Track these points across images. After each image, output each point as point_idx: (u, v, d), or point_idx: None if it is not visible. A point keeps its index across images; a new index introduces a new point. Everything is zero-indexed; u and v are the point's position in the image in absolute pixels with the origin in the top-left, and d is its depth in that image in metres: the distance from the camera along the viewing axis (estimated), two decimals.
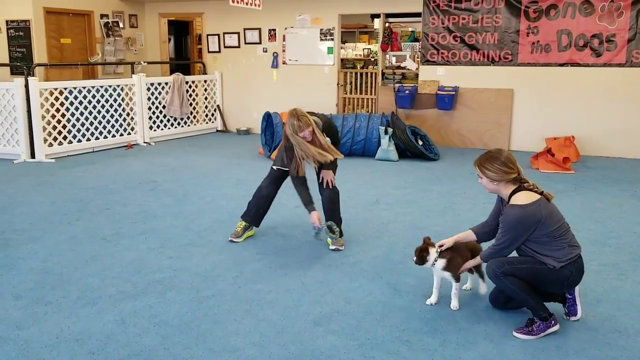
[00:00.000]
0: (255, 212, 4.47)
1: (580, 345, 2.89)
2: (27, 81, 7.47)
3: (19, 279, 3.69)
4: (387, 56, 9.92)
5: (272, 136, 7.99)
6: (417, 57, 9.51)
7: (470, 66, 8.84)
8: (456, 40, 8.85)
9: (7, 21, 9.46)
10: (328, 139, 4.20)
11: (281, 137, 7.65)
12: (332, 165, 4.33)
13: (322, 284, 3.63)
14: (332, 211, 4.35)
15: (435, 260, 3.25)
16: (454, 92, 8.82)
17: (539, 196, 2.98)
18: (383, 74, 9.67)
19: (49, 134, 7.79)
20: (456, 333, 3.00)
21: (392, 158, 7.72)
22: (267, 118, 8.04)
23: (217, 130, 10.73)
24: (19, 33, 9.36)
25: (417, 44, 9.63)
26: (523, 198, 2.97)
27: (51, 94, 7.81)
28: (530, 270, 2.98)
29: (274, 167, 4.46)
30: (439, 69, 9.06)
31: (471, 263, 3.29)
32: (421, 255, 3.26)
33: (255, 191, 4.52)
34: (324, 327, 3.05)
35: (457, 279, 3.28)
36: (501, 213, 3.10)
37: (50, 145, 7.80)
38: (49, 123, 7.77)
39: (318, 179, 4.43)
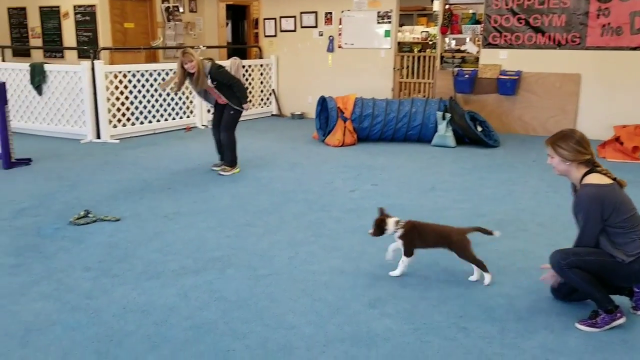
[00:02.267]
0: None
1: None
2: (93, 64, 7.76)
3: (88, 252, 3.87)
4: (447, 39, 9.72)
5: (327, 120, 8.00)
6: (478, 40, 9.27)
7: (534, 50, 8.54)
8: (520, 23, 8.56)
9: (74, 6, 9.84)
10: (214, 82, 5.82)
11: (335, 121, 7.67)
12: (230, 110, 5.98)
13: (377, 267, 3.63)
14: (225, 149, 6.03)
15: (396, 230, 3.43)
16: (516, 77, 8.56)
17: (612, 181, 2.87)
18: (442, 57, 9.49)
19: (114, 115, 8.07)
20: (515, 322, 2.94)
21: (449, 144, 7.60)
22: (322, 102, 8.05)
23: (272, 115, 10.83)
24: (86, 18, 9.72)
25: (478, 26, 9.37)
26: (597, 179, 2.86)
27: (115, 77, 8.08)
28: (597, 263, 2.87)
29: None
30: (501, 53, 8.80)
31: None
32: (380, 226, 3.46)
33: None
34: (379, 309, 3.07)
35: (406, 254, 3.44)
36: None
37: (115, 126, 8.08)
38: (113, 105, 8.06)
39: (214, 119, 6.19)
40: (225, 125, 5.99)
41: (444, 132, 7.60)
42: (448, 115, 7.59)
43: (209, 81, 5.80)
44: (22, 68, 8.24)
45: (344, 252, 3.88)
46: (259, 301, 3.15)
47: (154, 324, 2.90)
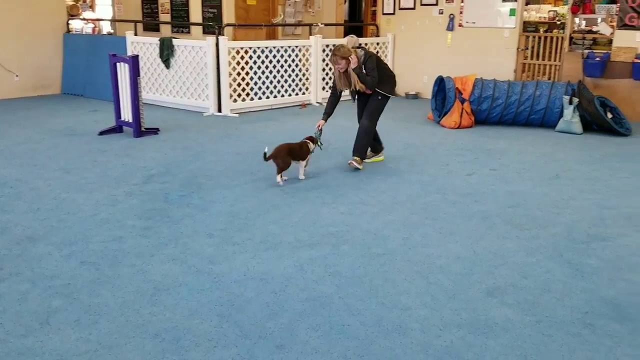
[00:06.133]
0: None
1: None
2: (217, 40, 8.09)
3: (211, 219, 4.09)
4: (577, 19, 9.06)
5: (443, 101, 7.80)
6: (612, 21, 8.54)
7: None
8: None
9: None
10: (364, 72, 5.22)
11: (453, 102, 7.45)
12: (373, 100, 5.40)
13: (496, 255, 3.51)
14: (357, 137, 5.44)
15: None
16: None
17: None
18: (571, 38, 8.86)
19: (234, 90, 8.39)
20: None
21: (576, 130, 7.12)
22: (440, 82, 7.84)
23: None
24: None
25: (613, 6, 8.63)
26: None
27: (237, 52, 8.37)
28: None
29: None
30: (638, 35, 8.07)
31: None
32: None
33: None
34: (498, 298, 2.97)
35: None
36: None
37: (235, 101, 8.41)
38: (234, 80, 8.37)
39: (358, 110, 5.66)
40: (370, 112, 5.45)
41: (571, 117, 7.13)
42: (576, 99, 7.11)
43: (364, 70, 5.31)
44: (152, 42, 8.78)
45: (460, 237, 3.79)
46: (373, 279, 3.17)
47: (272, 293, 3.02)
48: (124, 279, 3.17)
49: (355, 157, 5.37)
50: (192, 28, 10.55)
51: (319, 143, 5.28)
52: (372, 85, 5.29)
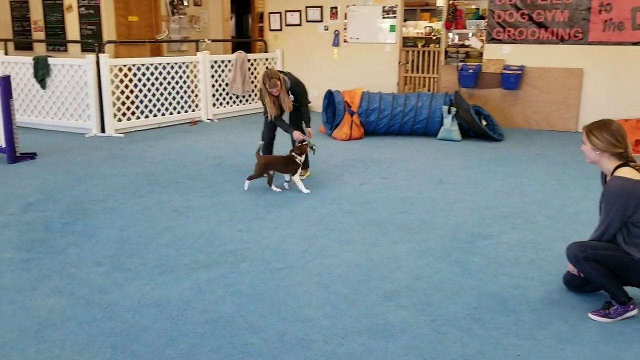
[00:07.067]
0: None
1: None
2: (98, 58, 7.74)
3: (99, 246, 3.87)
4: (450, 34, 9.71)
5: (334, 114, 8.00)
6: (482, 36, 9.25)
7: (537, 45, 8.54)
8: (524, 18, 8.55)
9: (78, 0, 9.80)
10: (292, 96, 5.36)
11: (343, 115, 7.67)
12: (297, 124, 5.51)
13: (391, 260, 3.64)
14: (271, 148, 5.65)
15: None
16: (520, 72, 8.56)
17: None
18: (446, 52, 9.47)
19: (118, 109, 8.06)
20: (529, 313, 2.96)
21: (455, 138, 7.60)
22: (329, 96, 8.04)
23: None
24: (90, 11, 9.67)
25: (482, 21, 9.36)
26: (629, 173, 2.85)
27: (120, 70, 8.05)
28: (613, 258, 2.88)
29: (266, 117, 5.52)
30: (504, 48, 8.80)
31: None
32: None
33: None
34: (395, 302, 3.08)
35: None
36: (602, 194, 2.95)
37: (120, 120, 8.07)
38: (118, 99, 8.04)
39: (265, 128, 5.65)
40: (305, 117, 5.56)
41: (450, 126, 7.60)
42: (454, 109, 7.59)
43: (291, 97, 5.40)
44: (25, 61, 8.22)
45: (356, 245, 3.89)
46: (274, 294, 3.16)
47: (169, 319, 2.91)
48: (4, 318, 2.91)
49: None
50: (70, 46, 10.02)
51: (312, 148, 5.30)
52: (309, 116, 5.54)
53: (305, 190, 5.11)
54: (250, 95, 10.14)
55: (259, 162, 5.17)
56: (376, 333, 2.76)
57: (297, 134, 5.35)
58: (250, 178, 5.19)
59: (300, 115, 5.52)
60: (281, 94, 5.27)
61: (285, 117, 5.58)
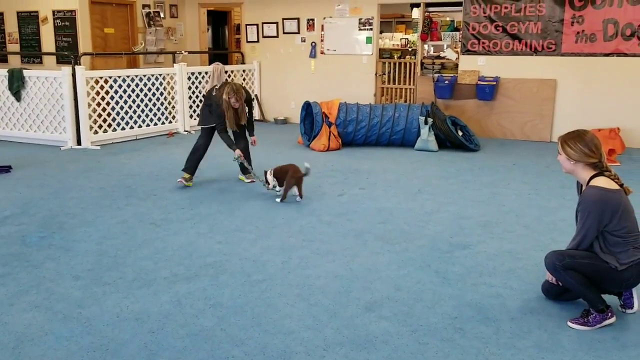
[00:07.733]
0: (195, 164, 5.79)
1: (638, 338, 2.86)
2: (74, 70, 7.66)
3: (76, 260, 3.82)
4: (426, 46, 9.84)
5: (311, 125, 8.02)
6: (457, 47, 9.40)
7: (511, 56, 8.71)
8: (498, 30, 8.72)
9: (53, 11, 9.70)
10: (247, 107, 5.70)
11: (320, 126, 7.69)
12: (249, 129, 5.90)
13: (371, 270, 3.66)
14: (248, 155, 5.89)
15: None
16: (494, 83, 8.71)
17: (619, 187, 2.92)
18: (422, 64, 9.60)
19: (95, 121, 7.97)
20: (509, 322, 2.99)
21: (432, 148, 7.68)
22: (307, 107, 8.07)
23: (255, 120, 10.78)
24: (65, 23, 9.59)
25: (457, 33, 9.51)
26: (604, 182, 2.90)
27: (97, 82, 7.98)
28: (591, 267, 2.92)
29: (204, 127, 5.86)
30: (479, 59, 8.95)
31: None
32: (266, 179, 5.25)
33: (193, 149, 5.83)
34: (376, 312, 3.09)
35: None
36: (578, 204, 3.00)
37: (96, 132, 7.98)
38: (94, 111, 7.95)
39: (234, 136, 5.85)
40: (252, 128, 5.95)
41: (427, 136, 7.68)
42: (430, 120, 7.68)
43: (247, 108, 5.74)
44: None
45: (336, 256, 3.90)
46: (255, 307, 3.14)
47: (149, 332, 2.87)
48: None
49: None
50: (45, 58, 9.92)
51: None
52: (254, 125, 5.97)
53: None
54: None
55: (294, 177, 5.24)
56: (358, 345, 2.76)
57: (237, 152, 5.62)
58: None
59: (243, 130, 5.85)
60: (240, 106, 5.54)
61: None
